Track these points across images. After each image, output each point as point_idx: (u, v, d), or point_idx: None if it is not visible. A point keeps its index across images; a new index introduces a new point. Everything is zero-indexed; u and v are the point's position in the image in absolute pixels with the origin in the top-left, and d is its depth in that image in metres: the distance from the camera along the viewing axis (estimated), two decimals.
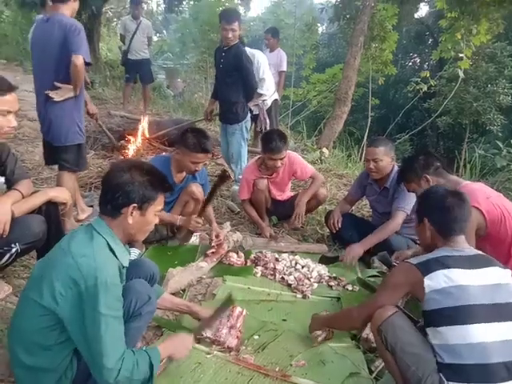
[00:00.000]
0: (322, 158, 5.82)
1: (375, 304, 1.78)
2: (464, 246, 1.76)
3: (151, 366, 1.51)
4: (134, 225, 1.60)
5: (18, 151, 5.36)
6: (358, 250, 2.94)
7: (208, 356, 1.96)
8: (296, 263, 2.91)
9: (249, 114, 4.20)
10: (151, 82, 8.22)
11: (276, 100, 5.48)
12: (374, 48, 7.96)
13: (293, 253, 3.17)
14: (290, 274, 2.80)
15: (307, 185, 3.85)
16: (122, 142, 5.51)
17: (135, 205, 1.58)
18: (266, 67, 5.18)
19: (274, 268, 2.85)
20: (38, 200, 2.20)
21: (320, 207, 3.88)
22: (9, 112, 1.99)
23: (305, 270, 2.85)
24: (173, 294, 2.53)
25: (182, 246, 3.14)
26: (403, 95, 15.75)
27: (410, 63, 20.08)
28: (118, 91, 9.82)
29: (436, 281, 1.61)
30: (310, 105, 10.24)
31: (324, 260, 3.06)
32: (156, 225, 1.74)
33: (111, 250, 1.56)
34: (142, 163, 1.71)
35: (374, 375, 1.93)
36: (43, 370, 1.50)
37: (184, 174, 3.03)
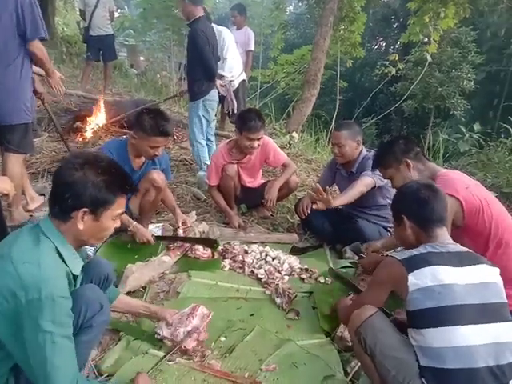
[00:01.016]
0: (291, 142, 5.66)
1: (361, 303, 1.68)
2: (447, 240, 1.67)
3: None
4: (86, 231, 1.38)
5: None
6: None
7: (170, 363, 1.79)
8: (266, 255, 2.76)
9: (212, 93, 3.96)
10: (114, 60, 7.76)
11: (243, 81, 5.24)
12: (343, 29, 7.81)
13: (263, 243, 3.02)
14: (260, 267, 2.64)
15: (280, 173, 3.68)
16: (78, 123, 5.11)
17: (86, 209, 1.35)
18: (232, 46, 4.92)
19: (243, 261, 2.68)
20: None
21: (290, 195, 3.74)
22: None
23: (275, 262, 2.70)
24: (132, 292, 2.34)
25: None
26: (369, 78, 15.84)
27: (376, 46, 20.21)
28: (74, 69, 9.24)
29: (420, 279, 1.50)
30: (278, 87, 10.02)
31: (295, 250, 2.93)
32: None
33: (60, 255, 1.34)
34: (99, 159, 1.43)
35: (349, 377, 1.81)
36: None
37: (143, 159, 2.78)
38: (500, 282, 1.59)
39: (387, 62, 7.30)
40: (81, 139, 5.10)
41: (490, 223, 2.02)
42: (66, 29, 15.34)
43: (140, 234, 2.70)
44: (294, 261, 2.76)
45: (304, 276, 2.62)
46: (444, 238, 1.66)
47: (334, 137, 2.98)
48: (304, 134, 6.92)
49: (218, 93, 4.22)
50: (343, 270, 2.71)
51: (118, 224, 1.49)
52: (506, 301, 1.56)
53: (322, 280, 2.59)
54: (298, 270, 2.67)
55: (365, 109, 13.79)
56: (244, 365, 1.83)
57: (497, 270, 1.61)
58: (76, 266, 1.39)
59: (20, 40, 2.63)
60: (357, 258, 2.79)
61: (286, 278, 2.59)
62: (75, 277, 1.42)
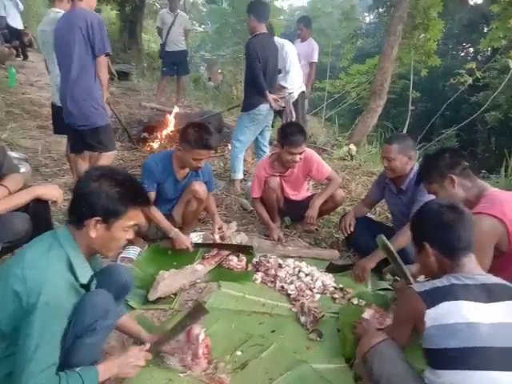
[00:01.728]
0: (352, 154, 5.50)
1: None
2: (475, 270, 1.51)
3: None
4: (98, 240, 1.48)
5: (48, 141, 5.52)
6: (367, 263, 2.69)
7: (181, 375, 1.82)
8: (299, 271, 2.70)
9: (260, 108, 4.05)
10: (186, 74, 8.21)
11: (303, 92, 5.22)
12: (417, 37, 7.43)
13: (300, 258, 2.97)
14: (292, 282, 2.59)
15: None
16: (145, 134, 5.47)
17: (99, 218, 1.45)
18: (294, 59, 4.94)
19: (275, 275, 2.65)
20: (24, 197, 2.14)
21: (339, 209, 3.64)
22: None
23: (308, 278, 2.63)
24: (163, 298, 2.43)
25: None
26: (452, 87, 14.83)
27: (463, 53, 18.88)
28: (153, 82, 9.91)
29: (441, 314, 1.36)
30: (349, 97, 9.82)
31: (332, 268, 2.83)
32: None
33: (70, 264, 1.45)
34: (116, 172, 1.55)
35: None
36: None
37: (187, 170, 2.89)
38: None
39: (464, 71, 6.79)
40: (148, 149, 5.45)
41: None
42: (153, 45, 16.61)
43: (180, 241, 2.80)
44: (329, 279, 2.67)
45: (336, 296, 2.52)
46: (471, 268, 1.50)
47: (385, 150, 2.84)
48: (369, 146, 6.68)
49: (271, 107, 4.28)
50: (381, 293, 2.56)
51: (130, 236, 1.57)
52: None
53: (356, 301, 2.47)
54: (332, 289, 2.57)
55: (447, 119, 12.92)
56: (253, 382, 1.81)
57: None
58: (84, 275, 1.49)
59: (92, 54, 3.12)
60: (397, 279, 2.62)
61: (317, 296, 2.50)
62: (84, 285, 1.52)
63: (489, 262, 1.84)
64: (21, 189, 2.19)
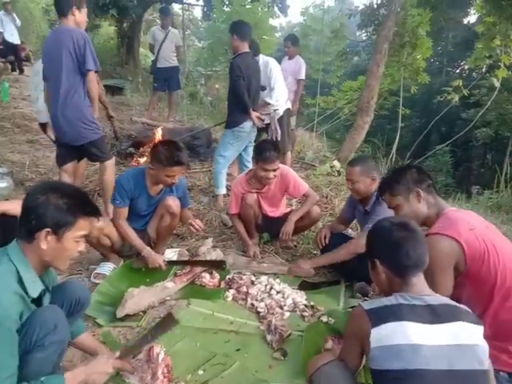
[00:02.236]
0: (333, 170, 5.53)
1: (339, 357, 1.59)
2: (424, 290, 1.51)
3: None
4: (49, 251, 1.50)
5: (36, 156, 5.55)
6: (305, 266, 2.96)
7: None
8: (271, 288, 2.69)
9: (243, 125, 4.10)
10: (178, 90, 8.29)
11: (288, 109, 5.27)
12: (407, 55, 7.54)
13: (275, 275, 2.96)
14: (262, 300, 2.58)
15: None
16: (131, 149, 5.50)
17: (49, 229, 1.47)
18: (279, 76, 5.00)
19: (247, 292, 2.65)
20: None
21: (319, 224, 3.65)
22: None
23: (279, 296, 2.62)
24: (132, 315, 2.41)
25: None
26: (446, 104, 14.96)
27: (458, 70, 19.12)
28: (146, 97, 9.96)
29: (385, 335, 1.35)
30: (341, 113, 9.91)
31: (304, 285, 2.82)
32: None
33: (20, 278, 1.45)
34: (63, 185, 1.63)
35: None
36: None
37: (160, 186, 2.90)
38: (483, 344, 1.39)
39: (450, 89, 6.87)
40: (135, 164, 5.47)
41: (495, 271, 1.77)
42: (149, 60, 16.82)
43: (152, 259, 2.80)
44: (300, 296, 2.66)
45: (306, 314, 2.51)
46: (420, 288, 1.50)
47: (348, 172, 2.89)
48: None
49: (254, 124, 4.33)
50: (349, 310, 2.55)
51: (81, 247, 1.59)
52: (485, 368, 1.36)
53: (325, 319, 2.44)
54: (302, 307, 2.56)
55: (443, 135, 13.01)
56: None
57: (480, 329, 1.41)
58: (34, 289, 1.49)
59: (79, 72, 3.18)
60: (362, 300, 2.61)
61: (287, 314, 2.49)
62: (36, 300, 1.52)
63: (451, 282, 1.84)
64: None
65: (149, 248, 2.84)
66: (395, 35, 6.40)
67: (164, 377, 1.86)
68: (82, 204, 1.56)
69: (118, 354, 1.83)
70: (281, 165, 3.28)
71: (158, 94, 7.99)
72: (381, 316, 1.39)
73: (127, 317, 2.38)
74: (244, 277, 2.81)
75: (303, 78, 6.07)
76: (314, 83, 9.43)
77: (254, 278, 2.80)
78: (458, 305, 1.47)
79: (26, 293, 1.46)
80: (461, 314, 1.43)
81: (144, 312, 2.46)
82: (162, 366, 1.86)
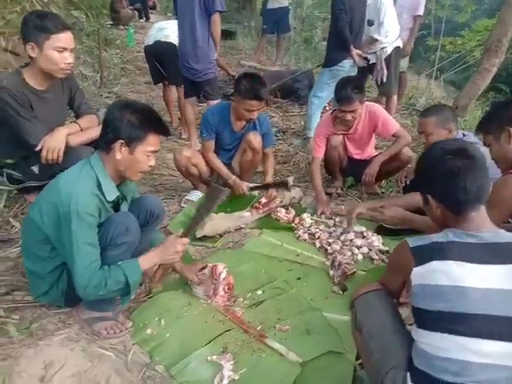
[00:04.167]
0: None
1: (380, 283, 1.53)
2: (484, 226, 1.31)
3: (127, 278, 1.64)
4: (123, 161, 1.69)
5: (151, 96, 6.09)
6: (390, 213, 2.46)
7: (202, 301, 2.01)
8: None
9: (342, 63, 3.90)
10: (287, 32, 8.14)
11: (398, 47, 4.79)
12: None
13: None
14: (333, 243, 2.55)
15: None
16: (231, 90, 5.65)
17: (122, 141, 1.65)
18: (390, 9, 4.55)
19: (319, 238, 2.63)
20: (94, 133, 2.44)
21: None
22: (64, 49, 2.22)
23: (352, 237, 2.57)
24: (210, 237, 2.63)
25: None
26: None
27: None
28: (257, 41, 9.99)
29: (428, 273, 1.25)
30: (470, 57, 8.70)
31: (381, 230, 2.71)
32: None
33: (99, 183, 1.68)
34: (137, 103, 1.77)
35: (359, 361, 1.69)
36: (39, 276, 1.77)
37: (244, 122, 2.98)
38: None
39: None
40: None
41: None
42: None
43: (236, 185, 2.96)
44: (377, 240, 2.58)
45: (376, 257, 2.44)
46: (479, 224, 1.30)
47: (421, 123, 2.57)
48: (478, 112, 5.95)
49: (367, 60, 4.12)
50: None
51: (152, 162, 1.75)
52: None
53: None
54: (375, 251, 2.49)
55: None
56: (262, 319, 1.91)
57: None
58: (110, 193, 1.71)
59: (205, 13, 3.52)
60: None
61: (360, 256, 2.44)
62: (113, 205, 1.76)
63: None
64: None
65: (235, 177, 3.01)
66: None
67: (225, 292, 2.02)
68: (153, 121, 1.71)
69: (180, 232, 1.96)
70: (369, 103, 3.10)
71: (266, 37, 7.95)
72: (425, 254, 1.28)
73: (205, 238, 2.60)
74: (321, 226, 2.76)
75: (421, 13, 5.44)
76: (437, 24, 8.35)
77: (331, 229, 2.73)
78: None
79: (104, 196, 1.69)
80: None
81: (220, 236, 2.66)
82: (223, 283, 2.02)
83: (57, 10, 7.81)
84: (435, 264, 1.24)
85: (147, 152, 1.71)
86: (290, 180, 2.97)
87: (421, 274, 1.26)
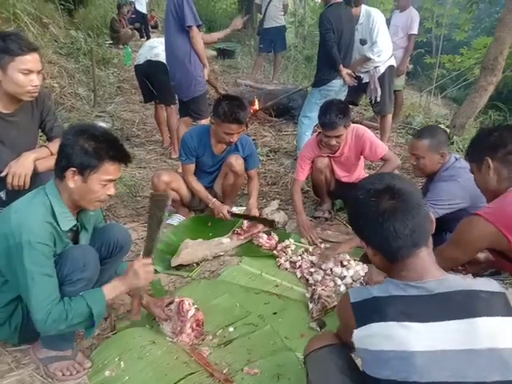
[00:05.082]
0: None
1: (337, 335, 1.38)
2: (427, 272, 1.11)
3: (91, 309, 1.53)
4: (76, 190, 1.58)
5: (145, 115, 6.04)
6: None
7: (168, 338, 1.88)
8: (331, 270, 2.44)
9: (332, 83, 3.83)
10: (283, 50, 8.14)
11: (391, 66, 4.73)
12: None
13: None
14: (314, 273, 2.40)
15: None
16: None
17: (74, 169, 1.55)
18: (382, 28, 4.49)
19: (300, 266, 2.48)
20: None
21: None
22: (30, 71, 2.13)
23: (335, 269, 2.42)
24: (186, 265, 2.50)
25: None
26: None
27: None
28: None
29: (368, 338, 1.08)
30: (470, 75, 8.63)
31: (365, 259, 2.57)
32: None
33: (53, 211, 1.57)
34: (94, 128, 1.64)
35: None
36: None
37: (225, 145, 2.88)
38: None
39: None
40: None
41: None
42: None
43: (217, 209, 2.85)
44: (362, 270, 2.44)
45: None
46: (421, 272, 1.11)
47: (413, 146, 2.45)
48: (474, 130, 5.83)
49: (359, 79, 4.08)
50: None
51: (111, 191, 1.63)
52: None
53: None
54: (360, 282, 2.35)
55: None
56: (231, 360, 1.77)
57: None
58: (65, 222, 1.59)
59: (184, 30, 3.44)
60: None
61: (343, 287, 2.30)
62: (72, 235, 1.67)
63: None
64: None
65: (215, 199, 2.90)
66: None
67: (192, 330, 1.88)
68: (110, 148, 1.58)
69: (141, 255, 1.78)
70: (356, 125, 2.99)
71: (263, 56, 7.94)
72: (365, 314, 1.11)
73: (181, 266, 2.47)
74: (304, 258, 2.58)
75: (415, 32, 5.42)
76: (437, 41, 8.29)
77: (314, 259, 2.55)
78: (486, 288, 1.07)
79: (58, 224, 1.57)
80: (487, 303, 1.05)
81: (197, 264, 2.53)
82: (191, 320, 1.88)
83: (56, 30, 7.98)
84: (375, 327, 1.07)
85: (103, 181, 1.59)
86: (277, 217, 2.91)
87: (361, 338, 1.10)
